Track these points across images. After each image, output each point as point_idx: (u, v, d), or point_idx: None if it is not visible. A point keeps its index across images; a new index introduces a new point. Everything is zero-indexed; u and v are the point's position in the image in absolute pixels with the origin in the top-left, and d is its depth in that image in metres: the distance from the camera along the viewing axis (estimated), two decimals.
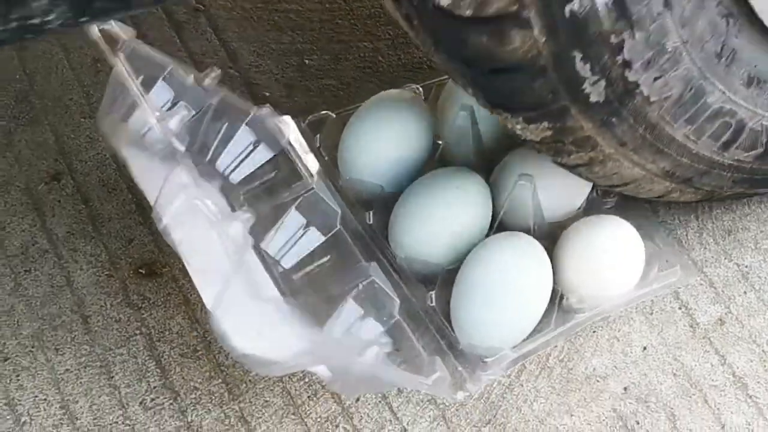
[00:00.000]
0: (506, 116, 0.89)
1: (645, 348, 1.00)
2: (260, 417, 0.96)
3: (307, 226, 0.98)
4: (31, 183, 1.11)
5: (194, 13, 1.28)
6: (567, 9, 0.79)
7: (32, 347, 0.99)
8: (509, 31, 0.80)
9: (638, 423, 0.95)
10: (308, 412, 0.96)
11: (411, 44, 1.25)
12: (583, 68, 0.83)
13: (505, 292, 0.96)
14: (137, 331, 1.01)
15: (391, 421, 0.96)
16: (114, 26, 0.93)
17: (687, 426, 0.95)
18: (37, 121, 1.16)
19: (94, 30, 0.92)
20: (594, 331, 1.01)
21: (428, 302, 0.99)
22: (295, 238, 0.98)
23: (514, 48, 0.81)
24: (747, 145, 0.96)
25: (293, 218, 0.98)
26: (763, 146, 0.97)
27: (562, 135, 0.90)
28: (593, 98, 0.86)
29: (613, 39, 0.82)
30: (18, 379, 0.97)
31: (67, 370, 0.98)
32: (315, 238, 0.98)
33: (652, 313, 1.03)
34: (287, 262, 0.97)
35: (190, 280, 1.03)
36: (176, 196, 0.86)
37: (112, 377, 0.98)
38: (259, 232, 0.92)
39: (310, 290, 0.96)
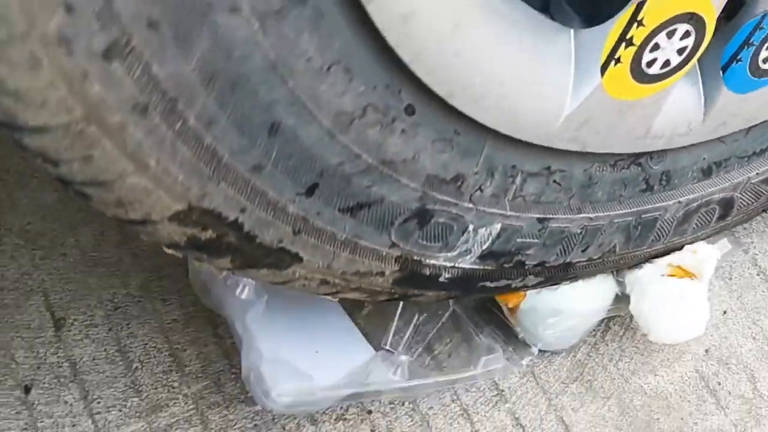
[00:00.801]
0: None
1: (725, 312, 1.04)
2: None
3: None
4: None
5: None
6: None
7: (140, 297, 1.04)
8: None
9: (720, 384, 1.00)
10: None
11: None
12: (490, 285, 0.82)
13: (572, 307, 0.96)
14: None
15: None
16: None
17: (767, 387, 0.99)
18: None
19: None
20: None
21: None
22: None
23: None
24: (748, 202, 0.89)
25: None
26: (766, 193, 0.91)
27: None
28: (531, 283, 0.84)
29: (508, 264, 0.80)
30: (128, 327, 1.02)
31: (174, 319, 1.03)
32: None
33: (731, 279, 1.06)
34: None
35: None
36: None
37: (217, 328, 1.03)
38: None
39: None
